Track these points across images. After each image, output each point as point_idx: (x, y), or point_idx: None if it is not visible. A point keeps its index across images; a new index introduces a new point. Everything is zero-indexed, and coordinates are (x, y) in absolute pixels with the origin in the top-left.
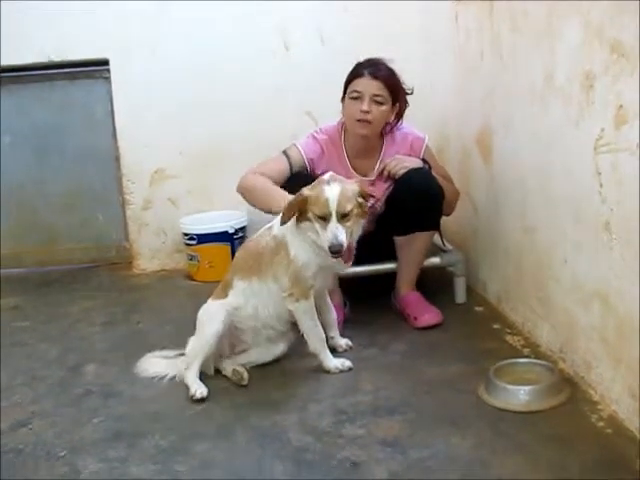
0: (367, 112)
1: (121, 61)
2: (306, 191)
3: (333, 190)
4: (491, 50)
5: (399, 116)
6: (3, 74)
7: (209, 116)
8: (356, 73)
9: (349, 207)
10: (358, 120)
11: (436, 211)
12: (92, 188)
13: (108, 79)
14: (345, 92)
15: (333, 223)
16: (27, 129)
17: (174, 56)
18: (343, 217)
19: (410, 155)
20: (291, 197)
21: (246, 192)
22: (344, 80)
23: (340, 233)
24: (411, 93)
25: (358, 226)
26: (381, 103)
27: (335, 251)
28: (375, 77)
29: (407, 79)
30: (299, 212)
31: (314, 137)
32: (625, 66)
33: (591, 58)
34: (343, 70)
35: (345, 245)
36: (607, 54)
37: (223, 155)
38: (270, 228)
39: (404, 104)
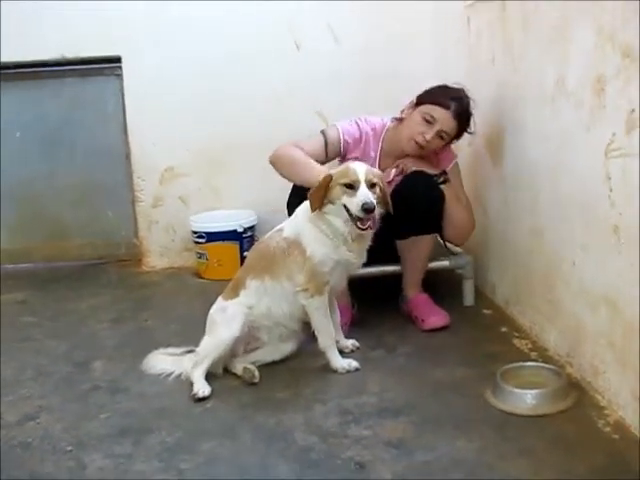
0: (428, 142)
1: (133, 58)
2: (332, 171)
3: (360, 165)
4: (502, 53)
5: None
6: (16, 70)
7: (220, 115)
8: (442, 101)
9: (375, 179)
10: (415, 142)
11: (432, 214)
12: (102, 185)
13: (120, 76)
14: (419, 102)
15: (363, 187)
16: (38, 125)
17: (185, 54)
18: (370, 188)
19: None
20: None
21: (279, 161)
22: (424, 90)
23: (371, 195)
24: (472, 133)
25: (378, 212)
26: (443, 138)
27: (368, 209)
28: (457, 117)
29: (418, 79)
30: (324, 194)
31: (357, 123)
32: (636, 70)
33: (603, 62)
34: (354, 70)
35: (376, 206)
36: (619, 58)
37: (233, 154)
38: (280, 230)
39: (458, 139)
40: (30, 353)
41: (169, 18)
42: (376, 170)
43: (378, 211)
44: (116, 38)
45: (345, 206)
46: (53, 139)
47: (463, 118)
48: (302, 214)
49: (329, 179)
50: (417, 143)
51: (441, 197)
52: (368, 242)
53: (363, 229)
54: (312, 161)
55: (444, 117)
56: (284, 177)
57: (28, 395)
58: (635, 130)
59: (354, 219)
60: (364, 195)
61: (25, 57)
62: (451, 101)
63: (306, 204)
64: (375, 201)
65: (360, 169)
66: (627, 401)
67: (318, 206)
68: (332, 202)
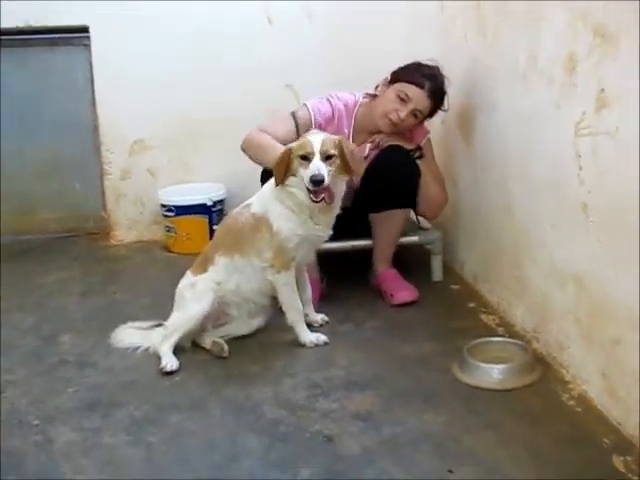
0: (402, 120)
1: (102, 29)
2: (292, 144)
3: (316, 136)
4: (475, 30)
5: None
6: None
7: (190, 87)
8: (416, 79)
9: (332, 151)
10: (389, 120)
11: (408, 188)
12: (70, 157)
13: (88, 47)
14: (393, 79)
15: (316, 159)
16: (4, 96)
17: (155, 26)
18: (326, 159)
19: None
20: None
21: (248, 149)
22: (399, 67)
23: (322, 168)
24: (446, 111)
25: (340, 180)
26: (417, 117)
27: (316, 181)
28: (431, 95)
29: (390, 55)
30: (286, 168)
31: (329, 100)
32: (608, 50)
33: (574, 41)
34: (326, 45)
35: (326, 180)
36: (590, 37)
37: (203, 127)
38: (248, 206)
39: (431, 116)
40: None
41: None
42: (335, 138)
43: (341, 180)
44: (84, 7)
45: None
46: (19, 111)
47: (437, 97)
48: (269, 190)
49: (289, 152)
50: (391, 120)
51: (417, 172)
52: (334, 215)
53: (316, 201)
54: (277, 144)
55: (418, 96)
56: (255, 163)
57: None
58: (605, 109)
59: (308, 191)
60: (314, 167)
61: None
62: (425, 80)
63: (273, 180)
64: (327, 173)
65: (316, 141)
66: (591, 376)
67: (280, 180)
68: (294, 174)
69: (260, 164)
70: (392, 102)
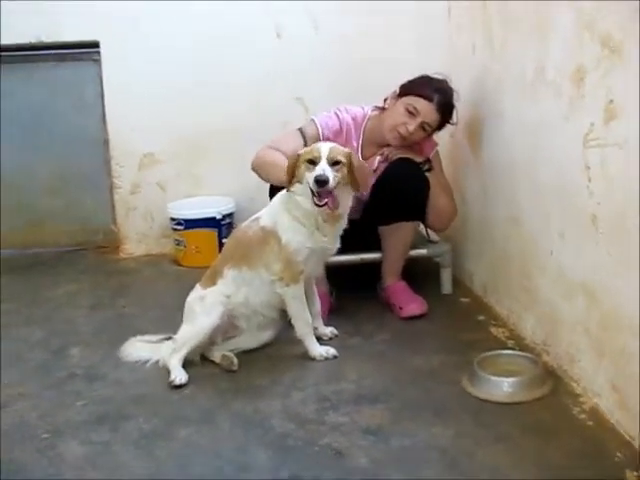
0: (411, 134)
1: (112, 44)
2: (300, 151)
3: (325, 143)
4: (483, 41)
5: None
6: None
7: (199, 101)
8: (425, 93)
9: (339, 157)
10: (398, 133)
11: (418, 201)
12: (80, 171)
13: (98, 61)
14: (402, 92)
15: (322, 162)
16: (15, 110)
17: (165, 41)
18: (333, 165)
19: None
20: None
21: (258, 167)
22: (408, 80)
23: (327, 170)
24: (454, 124)
25: (346, 192)
26: (425, 130)
27: (320, 181)
28: (439, 109)
29: (398, 67)
30: (292, 174)
31: (336, 114)
32: (616, 61)
33: (582, 52)
34: (334, 57)
35: (331, 182)
36: (598, 49)
37: (213, 140)
38: (257, 219)
39: (439, 130)
40: (6, 340)
41: (149, 5)
42: (344, 149)
43: (348, 192)
44: (94, 22)
45: (308, 183)
46: (30, 125)
47: (446, 110)
48: (278, 203)
49: (297, 157)
50: (399, 134)
51: (426, 184)
52: (341, 227)
53: (319, 205)
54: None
55: (427, 109)
56: (266, 181)
57: (5, 382)
58: (614, 120)
59: (313, 195)
60: (320, 168)
61: (1, 41)
62: (434, 93)
63: (282, 193)
64: (332, 176)
65: (324, 147)
66: (602, 389)
67: (288, 184)
68: (300, 181)
69: (271, 182)
70: (401, 115)
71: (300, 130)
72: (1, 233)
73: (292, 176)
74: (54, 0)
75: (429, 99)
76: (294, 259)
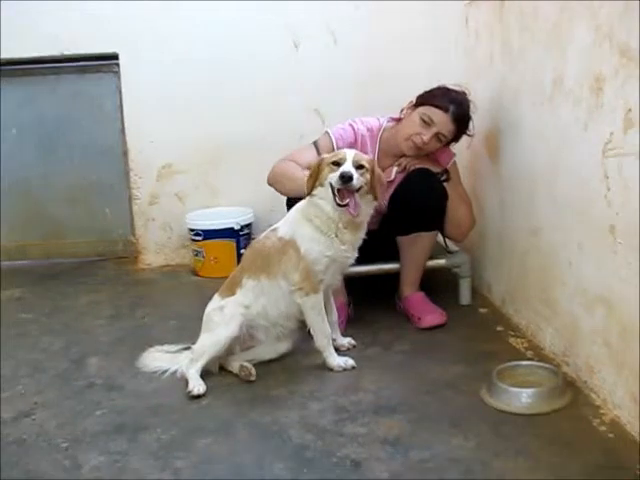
0: (426, 144)
1: (130, 56)
2: (325, 155)
3: (350, 149)
4: (501, 52)
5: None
6: (14, 66)
7: (217, 112)
8: (440, 103)
9: (363, 162)
10: (413, 143)
11: (436, 211)
12: (99, 182)
13: (117, 73)
14: (418, 103)
15: (348, 162)
16: (36, 122)
17: (183, 52)
18: (357, 168)
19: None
20: None
21: (275, 181)
22: (425, 90)
23: (352, 170)
24: (471, 135)
25: (367, 200)
26: (441, 141)
27: (345, 177)
28: (455, 120)
29: (416, 79)
30: (315, 178)
31: (351, 126)
32: (634, 70)
33: (601, 61)
34: (351, 68)
35: (355, 181)
36: (617, 57)
37: (231, 151)
38: (275, 230)
39: (456, 141)
40: (26, 349)
41: (167, 16)
42: (368, 157)
43: (369, 201)
44: (114, 35)
45: (331, 184)
46: (50, 136)
47: (461, 122)
48: (296, 213)
49: (321, 161)
50: (414, 144)
51: (445, 195)
52: (360, 235)
53: (341, 205)
54: (302, 173)
55: (442, 120)
56: (284, 194)
57: (24, 392)
58: (632, 129)
59: (335, 195)
60: (345, 167)
61: (23, 53)
62: (450, 104)
63: (301, 203)
64: (356, 177)
65: (349, 151)
66: (622, 400)
67: (309, 190)
68: (322, 184)
69: (288, 194)
70: (416, 125)
71: (314, 143)
72: (22, 244)
73: (314, 181)
74: (73, 12)
75: (445, 110)
76: (314, 269)
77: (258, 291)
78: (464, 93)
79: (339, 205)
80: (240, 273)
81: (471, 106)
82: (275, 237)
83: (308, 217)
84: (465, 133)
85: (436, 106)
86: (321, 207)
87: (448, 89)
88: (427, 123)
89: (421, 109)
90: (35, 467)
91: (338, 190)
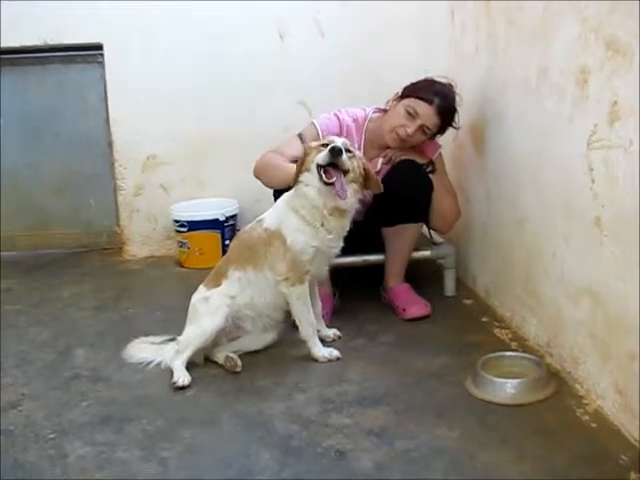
0: (410, 136)
1: (115, 47)
2: (312, 143)
3: (338, 137)
4: (486, 44)
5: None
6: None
7: (203, 103)
8: (425, 96)
9: (351, 148)
10: (397, 135)
11: (422, 203)
12: (84, 173)
13: (102, 64)
14: (404, 95)
15: (338, 141)
16: (20, 112)
17: (168, 43)
18: (346, 151)
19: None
20: None
21: (260, 173)
22: (411, 82)
23: (342, 148)
24: (458, 128)
25: (354, 190)
26: (426, 133)
27: (334, 150)
28: (440, 113)
29: (402, 71)
30: (302, 164)
31: (336, 116)
32: (620, 63)
33: (586, 53)
34: (337, 60)
35: (344, 157)
36: (602, 50)
37: (216, 143)
38: (260, 221)
39: (441, 133)
40: (13, 340)
41: (152, 8)
42: (357, 150)
43: (355, 190)
44: (98, 25)
45: (317, 165)
46: (36, 127)
47: (446, 114)
48: (283, 204)
49: (308, 149)
50: (398, 136)
51: (430, 186)
52: (346, 225)
53: (328, 183)
54: (287, 163)
55: (427, 112)
56: (269, 186)
57: (11, 383)
58: (617, 122)
59: (321, 176)
60: (336, 142)
61: (6, 43)
62: (435, 97)
63: (287, 194)
64: (346, 156)
65: (339, 138)
66: (606, 391)
67: (296, 177)
68: (308, 169)
69: (273, 186)
70: (401, 117)
71: (299, 135)
72: (8, 235)
73: (300, 167)
74: (58, 2)
75: (429, 102)
76: (300, 259)
77: (244, 282)
78: (450, 86)
79: (325, 184)
80: (226, 264)
81: (457, 98)
82: (261, 228)
83: (294, 208)
84: (450, 125)
85: (421, 98)
86: (306, 195)
87: (434, 81)
88: (412, 115)
89: (406, 101)
90: (22, 457)
91: (324, 170)
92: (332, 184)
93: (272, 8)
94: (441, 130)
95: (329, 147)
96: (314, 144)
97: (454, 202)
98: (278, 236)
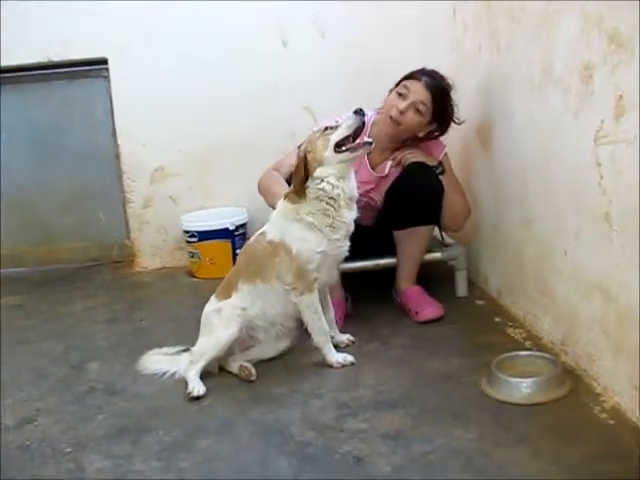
0: (402, 113)
1: (120, 60)
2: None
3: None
4: (489, 42)
5: (430, 135)
6: (3, 74)
7: (208, 113)
8: (413, 75)
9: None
10: (390, 117)
11: (434, 205)
12: (93, 187)
13: (107, 78)
14: (396, 86)
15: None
16: (27, 129)
17: (172, 54)
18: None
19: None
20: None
21: (261, 193)
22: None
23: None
24: (459, 123)
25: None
26: (420, 112)
27: (358, 110)
28: (428, 87)
29: (405, 72)
30: (303, 171)
31: (337, 122)
32: (623, 57)
33: (590, 48)
34: (341, 65)
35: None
36: (606, 44)
37: (223, 152)
38: (263, 234)
39: (443, 128)
40: (27, 356)
41: (155, 19)
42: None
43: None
44: (102, 40)
45: (336, 145)
46: (42, 143)
47: (437, 93)
48: (280, 217)
49: (302, 153)
50: (392, 118)
51: (441, 188)
52: (354, 215)
53: (355, 148)
54: (278, 188)
55: (416, 88)
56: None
57: (26, 398)
58: (624, 116)
59: (344, 142)
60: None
61: (11, 61)
62: (422, 75)
63: (280, 208)
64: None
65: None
66: (622, 387)
67: (300, 186)
68: (320, 163)
69: (271, 206)
70: (392, 100)
71: (298, 147)
72: (17, 251)
73: (304, 177)
74: (62, 18)
75: (417, 79)
76: (306, 267)
77: (254, 294)
78: (439, 72)
79: (352, 150)
80: (235, 277)
81: (448, 82)
82: (265, 241)
83: (297, 217)
84: (446, 109)
85: (408, 78)
86: (325, 189)
87: (422, 68)
88: (402, 95)
89: (396, 88)
90: (40, 472)
91: (347, 138)
92: (370, 143)
93: (273, 14)
94: (437, 113)
95: (353, 110)
96: (306, 143)
97: (463, 199)
98: (283, 247)
